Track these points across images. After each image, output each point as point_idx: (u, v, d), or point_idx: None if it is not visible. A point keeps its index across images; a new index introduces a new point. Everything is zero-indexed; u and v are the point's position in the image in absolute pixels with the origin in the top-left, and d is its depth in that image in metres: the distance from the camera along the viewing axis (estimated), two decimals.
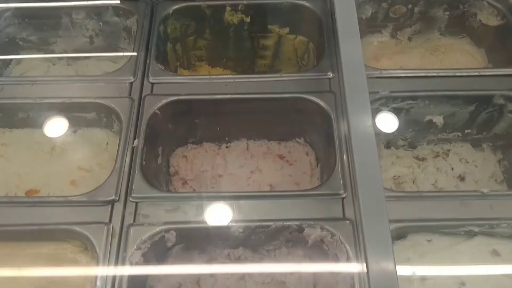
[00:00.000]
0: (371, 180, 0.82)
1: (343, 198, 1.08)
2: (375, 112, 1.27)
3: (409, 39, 1.53)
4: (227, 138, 1.37)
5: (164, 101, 1.24)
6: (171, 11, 1.43)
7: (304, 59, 1.54)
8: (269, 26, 1.50)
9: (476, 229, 1.05)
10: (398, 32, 1.52)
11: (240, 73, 1.59)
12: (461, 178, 1.34)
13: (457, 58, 1.52)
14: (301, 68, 1.55)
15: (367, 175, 0.82)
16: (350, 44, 0.99)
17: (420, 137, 1.36)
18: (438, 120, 1.30)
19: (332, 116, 1.20)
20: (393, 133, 1.35)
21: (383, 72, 1.28)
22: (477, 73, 1.27)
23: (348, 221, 1.04)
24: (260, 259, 1.12)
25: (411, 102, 1.25)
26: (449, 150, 1.38)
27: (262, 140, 1.38)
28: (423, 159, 1.38)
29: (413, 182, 1.34)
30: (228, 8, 1.45)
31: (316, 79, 1.28)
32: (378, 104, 1.25)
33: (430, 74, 1.27)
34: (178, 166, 1.34)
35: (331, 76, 1.28)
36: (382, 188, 0.80)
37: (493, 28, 1.42)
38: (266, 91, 1.26)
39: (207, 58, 1.60)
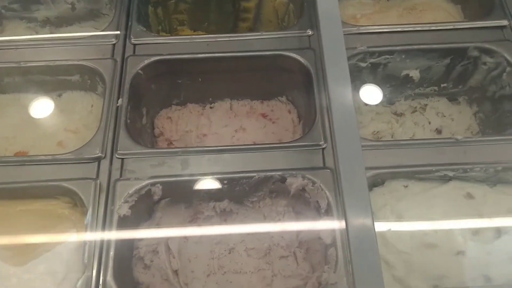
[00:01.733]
0: (348, 131, 0.85)
1: (323, 149, 1.12)
2: (353, 67, 1.30)
3: None
4: (210, 99, 1.40)
5: (146, 61, 1.26)
6: None
7: (285, 20, 1.56)
8: None
9: (451, 174, 1.10)
10: None
11: None
12: (438, 131, 1.39)
13: (434, 16, 1.54)
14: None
15: (345, 126, 0.86)
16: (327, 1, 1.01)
17: (398, 92, 1.40)
18: (415, 74, 1.34)
19: (312, 72, 1.23)
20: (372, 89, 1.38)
21: (361, 28, 1.31)
22: (451, 27, 1.30)
23: (328, 170, 1.08)
24: (245, 211, 1.16)
25: (388, 56, 1.29)
26: (426, 105, 1.42)
27: (245, 100, 1.41)
28: (401, 115, 1.42)
29: (392, 136, 1.39)
30: None
31: (295, 37, 1.30)
32: (356, 59, 1.28)
33: (406, 29, 1.30)
34: (163, 127, 1.37)
35: (310, 33, 1.30)
36: (359, 138, 0.84)
37: None
38: (247, 49, 1.28)
39: (188, 22, 1.61)
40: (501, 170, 1.08)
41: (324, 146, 1.12)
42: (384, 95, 1.40)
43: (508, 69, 1.25)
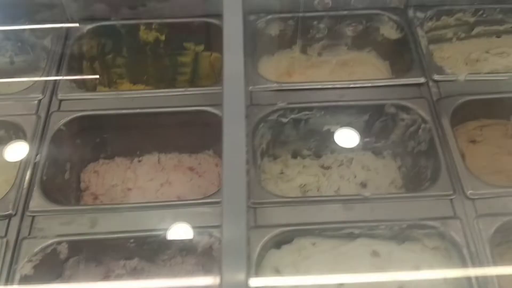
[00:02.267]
0: (235, 190, 0.86)
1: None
2: (275, 122, 1.33)
3: (319, 54, 1.60)
4: (138, 152, 1.41)
5: (69, 117, 1.28)
6: (85, 31, 1.47)
7: (221, 74, 1.60)
8: (184, 44, 1.56)
9: (357, 231, 1.10)
10: (308, 48, 1.58)
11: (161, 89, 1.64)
12: (363, 185, 1.40)
13: (365, 71, 1.59)
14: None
15: (233, 185, 0.87)
16: (232, 58, 1.04)
17: (323, 146, 1.42)
18: (335, 129, 1.36)
19: None
20: (297, 142, 1.41)
21: (282, 85, 1.35)
22: (369, 84, 1.34)
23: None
24: (157, 269, 1.15)
25: (308, 112, 1.31)
26: (352, 159, 1.44)
27: (173, 153, 1.43)
28: (328, 168, 1.44)
29: (318, 190, 1.40)
30: (142, 27, 1.51)
31: (218, 93, 1.33)
32: (277, 115, 1.31)
33: (325, 86, 1.34)
34: (89, 181, 1.38)
35: None
36: (245, 200, 0.84)
37: (394, 41, 1.50)
38: (170, 105, 1.31)
39: (128, 75, 1.64)
40: (406, 228, 1.09)
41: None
42: (310, 149, 1.43)
43: (423, 125, 1.28)
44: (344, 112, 1.32)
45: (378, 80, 1.36)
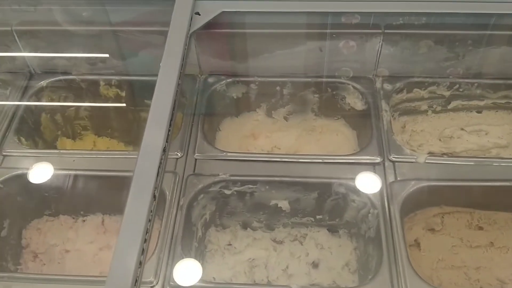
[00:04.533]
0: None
1: None
2: (218, 194, 1.26)
3: (286, 118, 1.54)
4: (82, 212, 1.37)
5: (9, 175, 1.26)
6: (45, 84, 1.47)
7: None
8: (145, 101, 1.53)
9: None
10: (272, 112, 1.52)
11: (126, 143, 1.61)
12: (315, 265, 1.31)
13: (332, 139, 1.52)
14: None
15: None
16: (154, 130, 1.00)
17: (275, 219, 1.34)
18: (284, 205, 1.29)
19: (168, 197, 1.20)
20: (246, 214, 1.34)
21: (228, 154, 1.28)
22: (320, 160, 1.26)
23: None
24: None
25: (252, 186, 1.24)
26: (306, 235, 1.35)
27: (118, 215, 1.38)
28: (280, 242, 1.36)
29: (265, 267, 1.31)
30: (102, 83, 1.49)
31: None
32: (219, 186, 1.24)
33: (272, 159, 1.27)
34: (30, 238, 1.34)
35: (178, 156, 1.28)
36: None
37: (360, 111, 1.43)
38: (109, 168, 1.27)
39: (92, 128, 1.62)
40: None
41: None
42: (261, 221, 1.35)
43: (371, 210, 1.18)
44: (290, 188, 1.24)
45: (329, 156, 1.28)
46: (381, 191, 1.19)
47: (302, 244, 1.35)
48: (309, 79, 1.45)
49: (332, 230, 1.34)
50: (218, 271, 1.30)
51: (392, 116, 1.47)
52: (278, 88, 1.46)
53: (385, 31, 1.32)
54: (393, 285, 1.04)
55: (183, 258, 1.12)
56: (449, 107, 1.47)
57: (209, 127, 1.42)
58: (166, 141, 1.02)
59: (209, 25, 1.32)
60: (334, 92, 1.46)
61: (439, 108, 1.48)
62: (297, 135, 1.53)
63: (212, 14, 1.29)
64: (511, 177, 1.21)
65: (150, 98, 1.48)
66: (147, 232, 0.90)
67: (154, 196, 0.93)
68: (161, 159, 0.98)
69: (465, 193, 1.23)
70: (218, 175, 1.24)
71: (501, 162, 1.24)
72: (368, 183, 1.21)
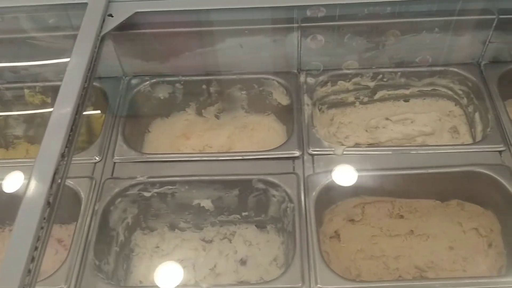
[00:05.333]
0: None
1: None
2: (138, 196, 1.25)
3: (217, 116, 1.53)
4: (7, 222, 1.35)
5: None
6: None
7: None
8: None
9: None
10: (203, 111, 1.51)
11: None
12: (243, 262, 1.30)
13: (264, 135, 1.51)
14: None
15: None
16: (53, 135, 0.99)
17: (201, 219, 1.33)
18: (207, 204, 1.28)
19: (83, 202, 1.19)
20: (171, 215, 1.33)
21: (146, 156, 1.27)
22: (240, 157, 1.25)
23: None
24: None
25: (171, 187, 1.23)
26: (235, 232, 1.34)
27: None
28: (210, 241, 1.35)
29: (193, 267, 1.30)
30: (26, 90, 1.47)
31: (83, 163, 1.27)
32: (138, 189, 1.23)
33: (192, 158, 1.26)
34: None
35: (97, 160, 1.27)
36: None
37: (286, 106, 1.42)
38: None
39: (24, 136, 1.60)
40: None
41: None
42: (188, 221, 1.34)
43: (289, 204, 1.18)
44: (210, 187, 1.24)
45: (249, 153, 1.27)
46: (298, 185, 1.19)
47: (231, 242, 1.34)
48: (234, 76, 1.44)
49: (260, 226, 1.34)
50: (145, 274, 1.29)
51: (320, 109, 1.47)
52: (204, 86, 1.45)
53: (302, 24, 1.31)
54: (303, 278, 1.03)
55: (95, 264, 1.10)
56: (376, 97, 1.47)
57: (135, 129, 1.41)
58: (66, 146, 1.00)
59: (128, 26, 1.31)
60: (261, 88, 1.45)
61: (366, 99, 1.48)
62: (229, 133, 1.52)
63: (125, 15, 1.28)
64: (430, 165, 1.21)
65: None
66: (38, 240, 0.89)
67: (49, 203, 0.92)
68: (59, 164, 0.97)
69: (384, 183, 1.23)
70: (136, 177, 1.22)
71: (418, 149, 1.24)
72: (286, 177, 1.20)
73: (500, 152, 1.21)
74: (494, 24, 1.31)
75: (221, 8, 1.28)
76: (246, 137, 1.52)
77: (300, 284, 1.03)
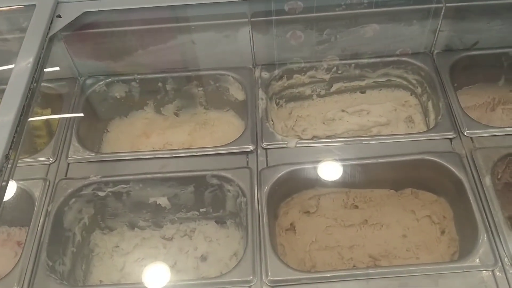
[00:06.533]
0: None
1: None
2: (93, 196, 1.25)
3: (176, 114, 1.53)
4: None
5: None
6: None
7: None
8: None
9: None
10: (161, 109, 1.51)
11: (23, 152, 1.58)
12: (203, 258, 1.31)
13: (225, 131, 1.51)
14: None
15: None
16: None
17: (160, 217, 1.33)
18: (163, 201, 1.28)
19: (36, 204, 1.18)
20: (129, 214, 1.32)
21: (101, 155, 1.27)
22: (194, 153, 1.26)
23: None
24: None
25: (125, 186, 1.23)
26: (195, 229, 1.35)
27: (3, 226, 1.35)
28: (170, 239, 1.35)
29: (154, 265, 1.30)
30: None
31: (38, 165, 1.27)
32: (92, 189, 1.23)
33: (146, 156, 1.26)
34: None
35: (51, 161, 1.26)
36: None
37: (242, 102, 1.42)
38: None
39: None
40: None
41: None
42: (147, 220, 1.34)
43: (242, 199, 1.18)
44: (165, 184, 1.24)
45: (203, 149, 1.27)
46: (251, 179, 1.19)
47: (191, 239, 1.34)
48: (190, 73, 1.44)
49: (220, 221, 1.34)
50: (106, 273, 1.29)
51: (278, 103, 1.48)
52: (160, 84, 1.45)
53: (252, 19, 1.32)
54: (255, 271, 1.04)
55: (48, 265, 1.10)
56: (332, 90, 1.48)
57: (91, 129, 1.41)
58: (11, 148, 1.00)
59: (79, 27, 1.31)
60: (218, 84, 1.46)
61: (323, 92, 1.49)
62: (190, 130, 1.52)
63: (74, 16, 1.27)
64: (382, 154, 1.22)
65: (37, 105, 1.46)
66: None
67: None
68: (2, 166, 0.96)
69: (338, 174, 1.23)
70: (89, 177, 1.22)
71: (370, 140, 1.25)
72: (239, 172, 1.21)
73: (450, 139, 1.23)
74: (442, 13, 1.33)
75: (170, 5, 1.28)
76: (207, 133, 1.52)
77: (251, 277, 1.03)
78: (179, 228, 1.35)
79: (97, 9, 1.27)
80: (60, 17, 1.26)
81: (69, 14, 1.27)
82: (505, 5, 1.35)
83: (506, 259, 1.02)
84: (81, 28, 1.32)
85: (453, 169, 1.16)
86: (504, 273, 1.00)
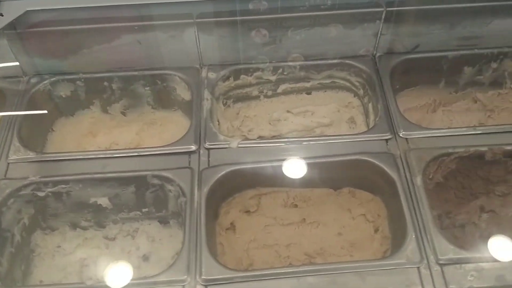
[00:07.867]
0: None
1: None
2: (32, 196, 1.24)
3: (123, 113, 1.53)
4: None
5: None
6: None
7: None
8: None
9: None
10: (108, 108, 1.51)
11: None
12: (145, 258, 1.32)
13: (173, 131, 1.51)
14: None
15: None
16: None
17: (102, 217, 1.33)
18: (104, 201, 1.28)
19: None
20: (70, 214, 1.32)
21: (43, 155, 1.26)
22: (136, 153, 1.26)
23: None
24: None
25: (65, 186, 1.23)
26: (138, 229, 1.35)
27: None
28: (113, 239, 1.35)
29: (95, 266, 1.30)
30: None
31: None
32: (31, 189, 1.22)
33: (87, 156, 1.26)
34: None
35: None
36: None
37: (189, 101, 1.43)
38: None
39: None
40: None
41: None
42: (89, 220, 1.34)
43: (182, 198, 1.19)
44: (105, 185, 1.24)
45: (145, 149, 1.28)
46: (192, 179, 1.20)
47: (134, 239, 1.35)
48: (136, 73, 1.44)
49: (163, 221, 1.35)
50: (47, 273, 1.29)
51: (226, 103, 1.49)
52: (106, 83, 1.44)
53: (197, 20, 1.33)
54: (189, 271, 1.05)
55: None
56: (279, 91, 1.51)
57: (35, 129, 1.39)
58: None
59: (22, 25, 1.29)
60: (164, 84, 1.46)
61: (270, 93, 1.51)
62: (137, 130, 1.52)
63: (16, 14, 1.26)
64: (322, 154, 1.25)
65: None
66: None
67: None
68: None
69: (278, 173, 1.26)
70: (28, 177, 1.21)
71: (310, 140, 1.28)
72: (180, 172, 1.22)
73: (386, 140, 1.27)
74: (383, 16, 1.36)
75: (115, 4, 1.28)
76: (155, 133, 1.53)
77: (185, 276, 1.05)
78: (122, 228, 1.36)
79: (39, 8, 1.26)
80: (2, 15, 1.24)
81: (11, 12, 1.25)
82: (443, 9, 1.39)
83: (431, 257, 1.06)
84: (25, 27, 1.31)
85: (387, 169, 1.20)
86: (429, 270, 1.04)
